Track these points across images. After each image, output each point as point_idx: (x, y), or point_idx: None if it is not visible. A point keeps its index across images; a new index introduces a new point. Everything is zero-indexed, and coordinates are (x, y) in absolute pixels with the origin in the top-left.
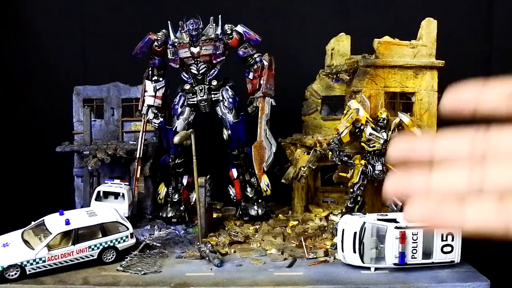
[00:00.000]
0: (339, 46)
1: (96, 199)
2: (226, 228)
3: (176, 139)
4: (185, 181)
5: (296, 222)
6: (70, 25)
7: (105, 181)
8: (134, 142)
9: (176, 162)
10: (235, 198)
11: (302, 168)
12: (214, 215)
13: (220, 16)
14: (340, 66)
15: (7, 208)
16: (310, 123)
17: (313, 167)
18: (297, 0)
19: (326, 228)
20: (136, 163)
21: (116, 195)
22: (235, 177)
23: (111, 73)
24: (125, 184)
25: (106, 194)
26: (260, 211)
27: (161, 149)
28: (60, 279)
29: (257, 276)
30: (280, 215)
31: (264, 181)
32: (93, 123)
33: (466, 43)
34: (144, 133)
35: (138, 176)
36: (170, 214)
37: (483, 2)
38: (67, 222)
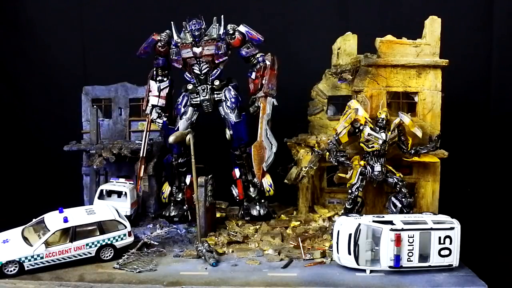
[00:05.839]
0: (346, 46)
1: (99, 197)
2: (227, 228)
3: (171, 138)
4: (188, 181)
5: (298, 223)
6: (72, 26)
7: (111, 180)
8: (140, 142)
9: (179, 161)
10: (237, 198)
11: (304, 169)
12: (218, 215)
13: (222, 16)
14: (344, 66)
15: (20, 205)
16: (316, 123)
17: (315, 168)
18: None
19: (327, 229)
20: (139, 162)
21: (119, 193)
22: (238, 177)
23: (116, 73)
24: (129, 183)
25: (110, 193)
26: (262, 211)
27: (165, 148)
28: (57, 276)
29: (250, 276)
30: (282, 215)
31: (267, 181)
32: (101, 122)
33: (468, 42)
34: (148, 133)
35: (141, 175)
36: (172, 213)
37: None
38: (65, 220)
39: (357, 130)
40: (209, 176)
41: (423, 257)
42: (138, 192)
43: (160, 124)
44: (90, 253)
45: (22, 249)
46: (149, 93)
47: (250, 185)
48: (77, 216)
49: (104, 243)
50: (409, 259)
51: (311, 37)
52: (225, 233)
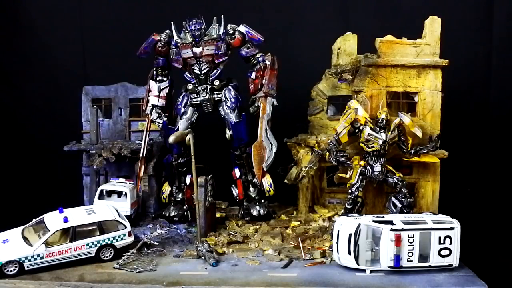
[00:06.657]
0: (346, 46)
1: (99, 197)
2: (227, 228)
3: (171, 138)
4: (188, 181)
5: (298, 223)
6: (72, 26)
7: (111, 180)
8: (140, 142)
9: (179, 161)
10: (237, 198)
11: (304, 169)
12: (218, 215)
13: (222, 16)
14: (344, 66)
15: (20, 205)
16: (316, 123)
17: (315, 168)
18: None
19: (327, 229)
20: (139, 162)
21: (119, 193)
22: (238, 177)
23: (116, 73)
24: (129, 183)
25: (110, 193)
26: (262, 211)
27: (165, 148)
28: (57, 276)
29: (250, 276)
30: (282, 215)
31: (267, 181)
32: (101, 122)
33: (468, 42)
34: (148, 133)
35: (141, 175)
36: (172, 213)
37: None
38: (65, 220)
39: (357, 130)
40: (209, 176)
41: (423, 257)
42: (138, 192)
43: (160, 124)
44: (90, 253)
45: (22, 249)
46: (149, 93)
47: (250, 185)
48: (77, 216)
49: (104, 243)
50: (409, 259)
51: (311, 37)
52: (225, 233)
